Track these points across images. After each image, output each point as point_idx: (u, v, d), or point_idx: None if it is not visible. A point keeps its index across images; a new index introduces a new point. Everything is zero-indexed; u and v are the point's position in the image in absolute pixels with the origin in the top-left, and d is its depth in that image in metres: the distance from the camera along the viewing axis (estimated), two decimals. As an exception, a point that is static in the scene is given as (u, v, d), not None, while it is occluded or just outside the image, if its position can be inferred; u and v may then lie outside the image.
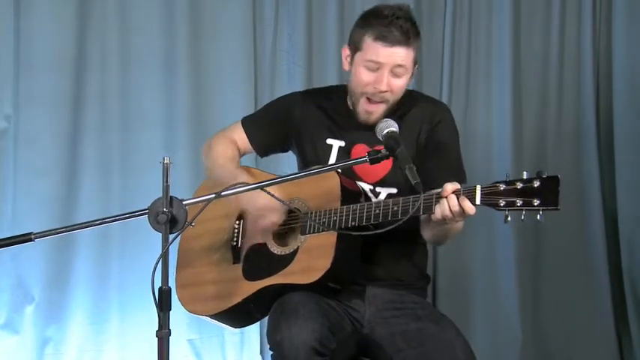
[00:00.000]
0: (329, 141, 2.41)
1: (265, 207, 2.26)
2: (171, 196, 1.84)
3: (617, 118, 3.81)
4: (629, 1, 3.80)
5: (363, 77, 2.29)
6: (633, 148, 3.78)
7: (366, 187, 2.36)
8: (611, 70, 3.85)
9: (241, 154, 2.54)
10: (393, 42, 2.23)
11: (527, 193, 1.91)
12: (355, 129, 2.38)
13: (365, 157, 2.05)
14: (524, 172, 1.94)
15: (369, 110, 2.31)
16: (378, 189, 2.36)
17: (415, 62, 2.32)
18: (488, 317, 3.78)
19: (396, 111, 2.33)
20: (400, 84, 2.29)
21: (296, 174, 2.11)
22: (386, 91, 2.27)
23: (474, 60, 3.84)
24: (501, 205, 1.94)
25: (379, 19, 2.26)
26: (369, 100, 2.30)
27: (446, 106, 2.47)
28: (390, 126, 2.11)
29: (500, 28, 3.82)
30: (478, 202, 1.97)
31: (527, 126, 3.85)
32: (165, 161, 1.84)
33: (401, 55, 2.25)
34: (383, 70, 2.26)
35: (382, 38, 2.24)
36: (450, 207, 1.99)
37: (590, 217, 3.83)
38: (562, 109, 3.89)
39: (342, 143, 2.40)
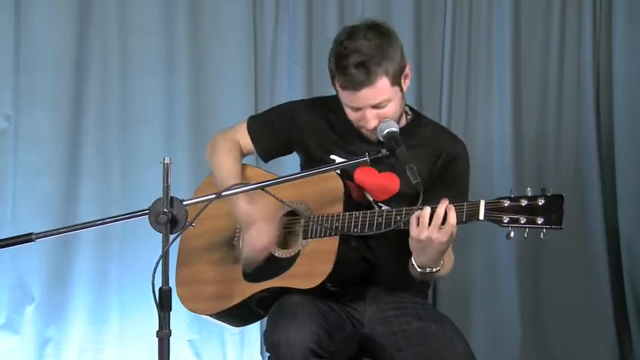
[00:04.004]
0: (332, 156, 2.38)
1: (257, 228, 2.28)
2: (171, 197, 1.85)
3: (618, 120, 3.81)
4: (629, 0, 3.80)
5: (350, 116, 2.26)
6: (634, 150, 3.77)
7: (370, 199, 2.34)
8: (611, 71, 3.85)
9: (244, 156, 2.53)
10: (357, 87, 2.15)
11: (531, 210, 1.92)
12: (362, 143, 2.34)
13: (365, 156, 2.05)
14: (528, 189, 1.94)
15: (371, 131, 2.26)
16: (380, 204, 2.34)
17: (396, 77, 2.20)
18: (489, 317, 3.78)
19: (415, 134, 2.31)
20: (389, 111, 2.21)
21: (296, 174, 2.11)
22: (375, 126, 2.21)
23: (473, 61, 3.83)
24: (505, 221, 1.95)
25: (338, 60, 2.17)
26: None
27: (465, 146, 2.40)
28: (391, 126, 2.11)
29: (500, 29, 3.81)
30: (482, 217, 1.97)
31: (528, 129, 3.85)
32: (166, 161, 1.84)
33: (372, 94, 2.17)
34: (364, 111, 2.21)
35: (346, 87, 2.18)
36: (433, 211, 1.99)
37: (591, 218, 3.82)
38: (562, 112, 3.88)
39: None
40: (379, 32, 2.19)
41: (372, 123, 2.20)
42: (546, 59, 3.87)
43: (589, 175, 3.83)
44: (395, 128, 2.10)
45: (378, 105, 2.19)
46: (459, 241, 3.60)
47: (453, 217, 1.99)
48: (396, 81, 2.20)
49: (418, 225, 2.01)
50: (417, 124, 2.38)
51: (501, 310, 3.78)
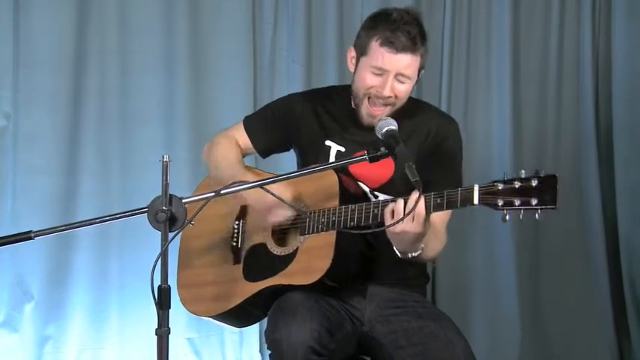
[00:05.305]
0: (327, 142, 2.40)
1: (275, 203, 2.22)
2: (170, 195, 1.84)
3: (617, 118, 3.82)
4: (628, -2, 3.81)
5: (367, 81, 2.28)
6: (632, 148, 3.78)
7: (366, 189, 2.36)
8: (610, 68, 3.86)
9: (243, 155, 2.53)
10: (399, 48, 2.22)
11: (525, 192, 1.89)
12: (358, 130, 2.37)
13: (364, 155, 2.05)
14: (522, 171, 1.93)
15: (373, 114, 2.30)
16: (377, 193, 2.35)
17: (421, 68, 2.31)
18: (488, 316, 3.79)
19: (404, 117, 2.31)
20: (404, 89, 2.28)
21: (295, 172, 2.11)
22: (389, 97, 2.27)
23: (473, 59, 3.85)
24: (499, 204, 1.92)
25: (387, 24, 2.24)
26: (372, 102, 2.29)
27: (456, 123, 2.44)
28: (390, 124, 2.11)
29: (499, 24, 3.83)
30: (476, 201, 1.95)
31: (527, 126, 3.86)
32: (165, 159, 1.84)
33: (406, 62, 2.24)
34: (387, 76, 2.25)
35: (388, 44, 2.22)
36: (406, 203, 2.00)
37: (590, 217, 3.83)
38: (561, 109, 3.90)
39: (342, 149, 2.38)
40: (423, 27, 2.30)
41: (387, 91, 2.25)
42: (545, 54, 3.89)
43: (587, 170, 3.84)
44: (394, 126, 2.10)
45: (402, 76, 2.25)
46: (458, 240, 3.67)
47: (421, 207, 1.99)
48: (419, 69, 2.30)
49: (393, 217, 2.02)
50: (406, 105, 2.38)
51: (501, 309, 3.79)
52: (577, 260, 3.85)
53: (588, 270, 3.84)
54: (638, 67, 3.79)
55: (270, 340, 2.10)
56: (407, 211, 1.99)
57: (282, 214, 2.27)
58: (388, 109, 2.30)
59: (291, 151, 2.56)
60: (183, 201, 1.87)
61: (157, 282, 1.81)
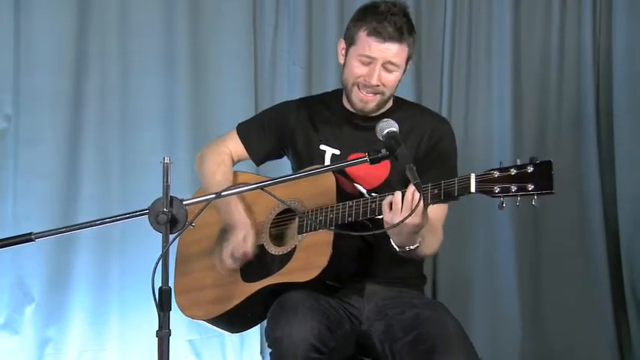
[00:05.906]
0: (322, 147, 2.43)
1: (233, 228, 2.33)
2: (171, 196, 1.84)
3: (618, 118, 3.81)
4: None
5: (355, 70, 2.33)
6: (633, 149, 3.77)
7: (362, 190, 2.38)
8: (611, 69, 3.86)
9: (235, 162, 2.55)
10: (385, 38, 2.28)
11: (521, 178, 1.93)
12: (353, 132, 2.40)
13: (365, 157, 2.05)
14: (517, 160, 1.96)
15: (363, 99, 2.35)
16: (373, 194, 2.35)
17: (409, 58, 2.35)
18: (489, 315, 3.79)
19: (399, 119, 2.30)
20: (392, 78, 2.33)
21: (294, 174, 2.12)
22: (377, 85, 2.31)
23: (474, 57, 3.85)
24: (496, 191, 1.95)
25: (374, 15, 2.30)
26: (361, 89, 2.34)
27: (449, 125, 2.49)
28: (391, 126, 2.11)
29: (500, 25, 3.83)
30: (473, 189, 1.97)
31: (528, 126, 3.86)
32: (166, 161, 1.84)
33: (393, 51, 2.29)
34: (375, 65, 2.30)
35: (375, 34, 2.28)
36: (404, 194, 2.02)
37: (591, 217, 3.83)
38: (562, 110, 3.89)
39: (337, 151, 2.42)
40: (410, 19, 2.35)
41: (375, 79, 2.31)
42: (546, 54, 3.89)
43: (588, 171, 3.84)
44: (395, 128, 2.10)
45: (390, 65, 2.30)
46: (458, 240, 3.66)
47: (419, 200, 2.00)
48: (407, 59, 2.35)
49: (391, 210, 2.04)
50: (399, 107, 2.44)
51: (501, 308, 3.79)
52: (577, 260, 3.85)
53: (588, 270, 3.84)
54: (638, 67, 3.78)
55: (271, 338, 2.11)
56: (404, 205, 2.01)
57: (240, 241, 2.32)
58: (378, 97, 2.34)
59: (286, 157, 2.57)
60: (184, 203, 1.87)
61: (158, 284, 1.81)
